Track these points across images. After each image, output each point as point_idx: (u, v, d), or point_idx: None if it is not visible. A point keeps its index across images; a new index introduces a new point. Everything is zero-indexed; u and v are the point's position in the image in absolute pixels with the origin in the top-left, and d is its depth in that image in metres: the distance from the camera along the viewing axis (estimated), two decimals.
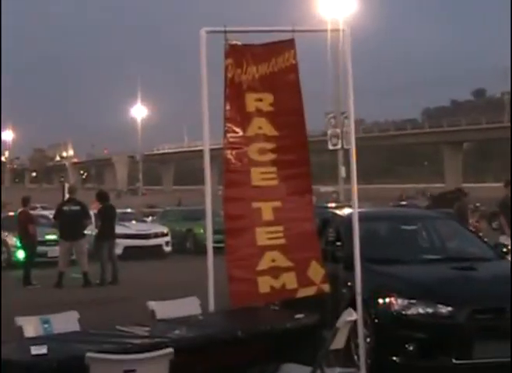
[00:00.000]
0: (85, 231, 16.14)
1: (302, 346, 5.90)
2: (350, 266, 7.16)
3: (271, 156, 7.03)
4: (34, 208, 31.69)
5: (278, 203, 7.03)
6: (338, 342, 5.56)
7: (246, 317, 6.46)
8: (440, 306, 6.93)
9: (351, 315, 5.76)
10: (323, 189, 50.47)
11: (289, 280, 6.92)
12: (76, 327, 5.81)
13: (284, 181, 7.06)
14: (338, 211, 9.66)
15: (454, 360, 6.83)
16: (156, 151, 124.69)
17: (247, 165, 6.95)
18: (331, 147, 30.59)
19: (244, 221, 6.93)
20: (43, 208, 33.24)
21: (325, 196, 37.46)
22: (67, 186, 20.99)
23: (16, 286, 14.98)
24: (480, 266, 7.94)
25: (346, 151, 7.38)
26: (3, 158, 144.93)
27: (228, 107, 6.88)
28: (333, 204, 14.50)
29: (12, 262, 18.78)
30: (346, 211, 9.02)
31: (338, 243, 8.54)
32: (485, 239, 9.60)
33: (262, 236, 6.91)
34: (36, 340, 5.11)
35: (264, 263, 6.85)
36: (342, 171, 32.60)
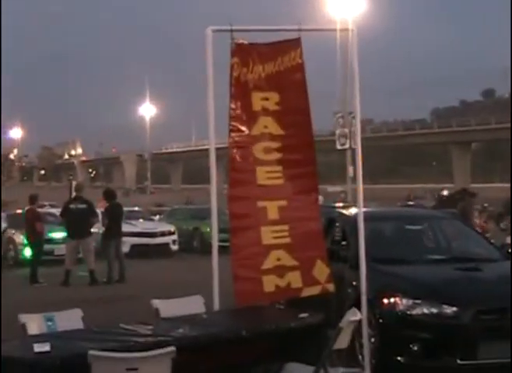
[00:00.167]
0: (92, 230, 16.15)
1: (306, 346, 5.89)
2: (355, 266, 7.15)
3: (276, 155, 7.02)
4: (42, 206, 31.84)
5: (283, 203, 7.02)
6: (342, 342, 5.56)
7: (250, 316, 6.45)
8: (444, 306, 6.91)
9: (355, 315, 5.74)
10: (330, 189, 50.46)
11: (294, 279, 6.92)
12: (80, 325, 5.82)
13: (290, 180, 7.05)
14: (343, 211, 9.65)
15: (458, 361, 6.82)
16: (164, 150, 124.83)
17: (253, 164, 6.94)
18: (339, 147, 30.64)
19: (249, 220, 6.93)
20: (52, 206, 33.34)
21: (333, 196, 37.42)
22: (74, 184, 20.97)
23: (23, 284, 15.01)
24: (485, 267, 7.92)
25: (354, 151, 7.40)
26: (12, 156, 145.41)
27: (233, 106, 6.87)
28: (340, 204, 14.50)
29: (19, 260, 18.82)
30: (352, 211, 9.01)
31: (344, 243, 8.53)
32: (492, 240, 9.57)
33: (268, 235, 6.90)
34: (40, 338, 5.10)
35: (269, 262, 6.84)
36: (350, 171, 32.59)
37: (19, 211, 20.61)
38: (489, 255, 8.50)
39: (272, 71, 6.98)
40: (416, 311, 6.98)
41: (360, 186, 7.36)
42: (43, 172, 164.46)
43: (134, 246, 21.15)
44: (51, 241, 18.23)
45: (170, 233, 23.05)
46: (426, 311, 6.95)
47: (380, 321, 7.16)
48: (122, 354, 4.60)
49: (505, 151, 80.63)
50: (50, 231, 18.36)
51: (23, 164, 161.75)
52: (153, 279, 15.49)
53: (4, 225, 20.44)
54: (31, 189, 53.32)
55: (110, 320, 7.85)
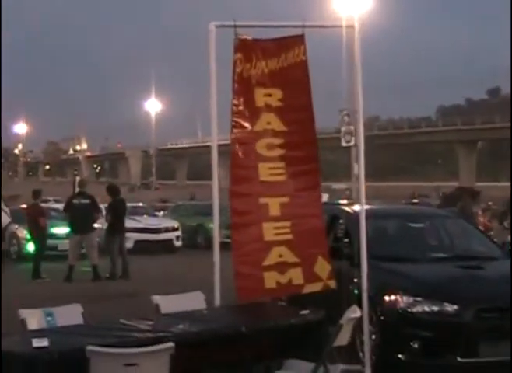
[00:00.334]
0: (96, 225, 16.16)
1: (307, 343, 5.87)
2: (357, 263, 7.14)
3: (279, 152, 7.00)
4: (46, 201, 31.91)
5: (285, 199, 7.01)
6: (342, 339, 5.54)
7: (250, 312, 6.45)
8: (445, 304, 6.90)
9: (355, 312, 5.73)
10: (335, 186, 50.39)
11: (296, 275, 6.90)
12: (80, 320, 5.81)
13: (292, 177, 7.03)
14: (346, 208, 9.63)
15: (459, 359, 6.81)
16: (169, 146, 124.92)
17: (255, 161, 6.93)
18: (344, 144, 30.50)
19: (251, 217, 6.91)
20: (56, 201, 33.39)
21: (338, 194, 37.40)
22: (77, 179, 20.99)
23: (26, 279, 15.03)
24: (487, 265, 7.91)
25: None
26: (16, 151, 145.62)
27: (236, 102, 6.86)
28: (345, 201, 14.47)
29: (22, 254, 18.86)
30: (354, 208, 8.98)
31: (346, 240, 8.51)
32: (494, 238, 9.54)
33: (269, 231, 6.89)
34: (39, 333, 5.10)
35: (271, 259, 6.83)
36: (355, 168, 32.51)
37: (24, 206, 20.64)
38: (491, 253, 8.49)
39: (276, 67, 6.96)
40: (417, 309, 6.97)
41: (362, 184, 7.35)
42: (48, 167, 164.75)
43: (137, 242, 21.16)
44: (55, 236, 18.24)
45: (174, 229, 23.07)
46: (426, 309, 6.94)
47: (381, 318, 7.16)
48: (120, 350, 4.59)
49: (509, 150, 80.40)
50: (54, 227, 18.38)
51: (28, 159, 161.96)
52: (156, 275, 15.50)
53: (7, 220, 20.48)
54: (36, 184, 53.45)
55: (111, 316, 7.83)
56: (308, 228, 7.05)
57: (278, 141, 6.98)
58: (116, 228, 15.95)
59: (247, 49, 6.86)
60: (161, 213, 29.88)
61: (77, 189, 17.18)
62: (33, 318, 5.62)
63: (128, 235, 17.67)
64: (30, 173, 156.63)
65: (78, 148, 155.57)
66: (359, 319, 6.23)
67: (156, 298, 6.39)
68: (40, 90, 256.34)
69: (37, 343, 4.77)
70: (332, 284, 7.04)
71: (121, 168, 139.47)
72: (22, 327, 5.53)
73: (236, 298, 6.67)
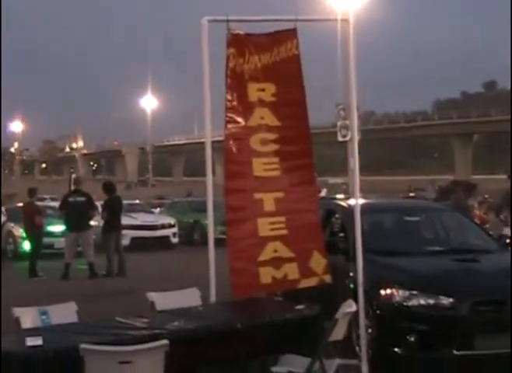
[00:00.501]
0: (92, 223, 16.13)
1: (302, 338, 5.87)
2: (353, 258, 7.13)
3: (273, 147, 6.98)
4: (43, 199, 31.84)
5: (280, 194, 6.99)
6: (338, 333, 5.54)
7: (246, 308, 6.43)
8: (441, 297, 6.89)
9: (350, 307, 5.73)
10: (331, 180, 50.40)
11: (291, 270, 6.89)
12: (74, 318, 5.80)
13: (286, 172, 7.01)
14: (341, 202, 9.61)
15: (455, 352, 6.80)
16: (166, 143, 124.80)
17: (249, 156, 6.90)
18: (340, 138, 30.45)
19: (246, 212, 6.89)
20: (52, 199, 33.33)
21: (335, 188, 37.41)
22: (73, 177, 20.97)
23: (22, 277, 15.00)
24: (483, 258, 7.90)
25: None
26: (13, 150, 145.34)
27: (230, 97, 6.83)
28: (341, 196, 14.45)
29: (18, 253, 18.82)
30: (350, 202, 8.97)
31: (342, 234, 8.50)
32: (491, 231, 9.53)
33: (264, 227, 6.87)
34: (33, 332, 5.08)
35: (266, 254, 6.82)
36: (351, 162, 32.50)
37: (20, 204, 20.60)
38: (487, 246, 8.48)
39: (268, 61, 6.93)
40: (413, 303, 6.96)
41: (357, 178, 7.34)
42: (44, 165, 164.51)
43: (134, 239, 21.15)
44: (51, 234, 18.21)
45: (171, 226, 23.05)
46: (422, 302, 6.93)
47: (377, 312, 7.15)
48: (114, 347, 4.57)
49: (506, 143, 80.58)
50: (50, 225, 18.35)
51: (24, 157, 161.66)
52: (153, 272, 15.47)
53: (3, 219, 20.46)
54: (32, 182, 53.30)
55: (108, 313, 7.81)
56: (303, 223, 7.03)
57: (272, 135, 6.96)
58: (112, 225, 15.92)
59: (239, 44, 6.83)
60: (157, 210, 29.84)
61: (73, 187, 17.11)
62: (28, 317, 5.61)
63: (124, 232, 17.64)
64: (26, 172, 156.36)
65: (74, 145, 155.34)
66: (355, 313, 6.23)
67: (152, 295, 6.38)
68: (36, 88, 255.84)
69: (31, 341, 4.76)
70: (328, 278, 7.03)
71: (118, 165, 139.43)
72: (16, 326, 5.51)
73: (231, 294, 6.65)
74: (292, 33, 6.96)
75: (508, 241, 9.08)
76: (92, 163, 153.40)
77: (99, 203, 17.36)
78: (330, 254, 7.18)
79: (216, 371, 5.61)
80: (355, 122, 7.72)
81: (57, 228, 18.20)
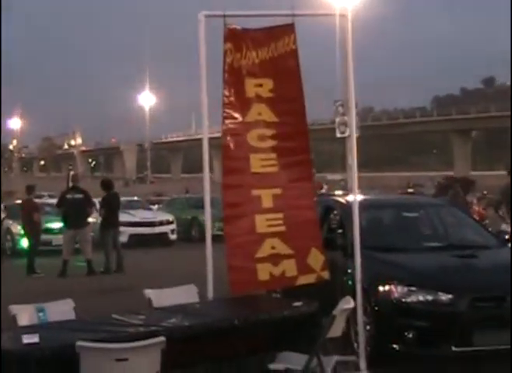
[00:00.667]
0: (90, 220, 16.11)
1: (300, 335, 5.84)
2: (351, 254, 7.10)
3: (271, 143, 6.94)
4: (41, 196, 31.83)
5: (278, 191, 6.96)
6: (336, 330, 5.51)
7: (243, 305, 6.41)
8: (440, 294, 6.86)
9: (348, 303, 5.69)
10: (330, 177, 50.40)
11: (289, 267, 6.86)
12: (72, 316, 5.76)
13: (284, 168, 6.98)
14: (339, 199, 9.59)
15: (453, 348, 6.76)
16: (164, 140, 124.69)
17: (247, 152, 6.87)
18: (339, 134, 30.45)
19: (243, 209, 6.86)
20: (50, 196, 33.31)
21: (334, 184, 37.43)
22: (71, 174, 20.95)
23: (20, 274, 14.96)
24: (482, 254, 7.87)
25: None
26: (11, 147, 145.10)
27: (227, 93, 6.79)
28: (340, 192, 14.46)
29: (16, 250, 18.80)
30: (348, 199, 8.94)
31: (340, 231, 8.47)
32: (489, 227, 9.50)
33: (262, 223, 6.84)
34: (30, 329, 5.05)
35: (263, 251, 6.79)
36: (350, 159, 32.49)
37: (18, 202, 20.59)
38: (486, 242, 8.44)
39: (266, 57, 6.90)
40: (411, 299, 6.92)
41: (355, 174, 7.32)
42: (43, 162, 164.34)
43: (132, 236, 21.16)
44: (49, 231, 18.20)
45: (169, 222, 23.05)
46: (421, 298, 6.90)
47: (376, 309, 7.12)
48: (110, 345, 4.53)
49: (505, 139, 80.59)
50: (48, 222, 18.32)
51: (23, 155, 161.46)
52: (151, 269, 15.45)
53: (3, 215, 20.46)
54: (31, 180, 53.25)
55: (105, 311, 7.77)
56: (301, 220, 7.00)
57: (269, 131, 6.93)
58: (110, 222, 15.89)
59: (236, 39, 6.79)
60: (156, 206, 29.83)
61: (70, 184, 17.07)
62: (24, 314, 5.58)
63: (122, 229, 17.64)
64: (25, 169, 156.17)
65: (72, 143, 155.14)
66: (354, 310, 6.20)
67: (149, 292, 6.34)
68: (34, 85, 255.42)
69: (28, 339, 4.72)
70: (326, 275, 7.00)
71: (116, 162, 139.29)
72: (13, 323, 5.48)
73: (229, 291, 6.62)
74: (289, 28, 6.92)
75: (507, 237, 9.02)
76: (90, 160, 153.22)
77: (97, 200, 17.34)
78: (328, 251, 7.15)
79: (214, 369, 5.58)
80: (353, 118, 7.72)
81: (56, 225, 18.18)
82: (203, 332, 5.39)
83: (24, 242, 17.23)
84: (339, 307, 5.56)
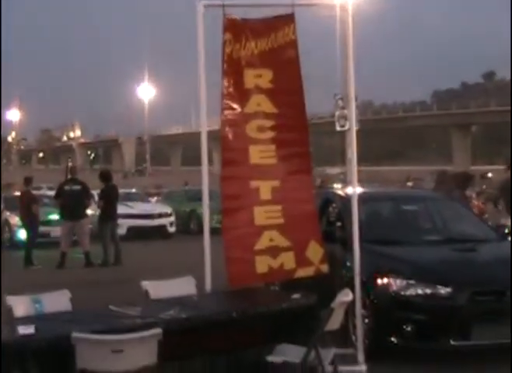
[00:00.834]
0: (89, 212, 16.05)
1: (298, 327, 5.81)
2: (350, 247, 7.06)
3: (270, 134, 6.89)
4: (39, 188, 31.79)
5: (277, 183, 6.91)
6: (334, 323, 5.46)
7: (241, 298, 6.36)
8: (439, 287, 6.82)
9: (347, 296, 5.65)
10: (329, 170, 50.34)
11: (288, 260, 6.83)
12: (68, 307, 5.72)
13: (283, 160, 6.93)
14: (339, 191, 9.54)
15: (452, 342, 6.73)
16: (163, 132, 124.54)
17: (245, 143, 6.82)
18: (338, 128, 30.41)
19: (242, 201, 6.82)
20: (49, 188, 33.26)
21: (334, 178, 37.40)
22: (69, 165, 20.95)
23: (18, 266, 14.91)
24: (481, 248, 7.83)
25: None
26: (10, 139, 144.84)
27: (226, 83, 6.74)
28: (339, 185, 14.43)
29: (14, 242, 18.75)
30: (347, 191, 8.89)
31: (339, 224, 8.43)
32: (489, 221, 9.45)
33: (260, 216, 6.80)
34: (26, 320, 5.01)
35: (262, 243, 6.75)
36: (349, 152, 32.43)
37: (17, 194, 20.54)
38: (485, 236, 8.39)
39: (265, 47, 6.84)
40: (410, 292, 6.88)
41: (355, 167, 7.28)
42: (41, 155, 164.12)
43: (131, 228, 21.13)
44: (47, 223, 18.14)
45: (168, 215, 23.01)
46: (420, 291, 6.86)
47: (374, 302, 7.08)
48: (106, 336, 4.50)
49: (505, 134, 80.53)
50: (46, 214, 18.27)
51: (22, 147, 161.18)
52: (150, 261, 15.39)
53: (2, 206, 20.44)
54: (30, 172, 53.15)
55: (102, 302, 7.74)
56: (300, 212, 6.96)
57: (268, 123, 6.87)
58: (108, 214, 15.83)
59: (236, 29, 6.74)
60: (154, 199, 29.78)
61: (69, 176, 17.01)
62: (20, 305, 5.53)
63: (121, 221, 17.59)
64: (24, 161, 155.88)
65: (72, 135, 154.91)
66: (352, 303, 6.16)
67: (146, 284, 6.30)
68: (32, 78, 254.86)
69: (23, 330, 4.69)
70: (324, 268, 6.97)
71: (115, 155, 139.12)
72: (8, 314, 5.44)
73: (227, 284, 6.58)
74: (289, 18, 6.87)
75: (507, 231, 8.98)
76: (89, 153, 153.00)
77: (95, 193, 17.26)
78: (327, 243, 7.11)
79: (211, 361, 5.55)
80: (353, 111, 7.66)
81: (54, 217, 18.12)
82: (200, 324, 5.36)
83: (22, 234, 17.18)
84: (338, 299, 5.52)
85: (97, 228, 16.24)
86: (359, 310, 6.77)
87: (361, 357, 6.74)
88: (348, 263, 7.36)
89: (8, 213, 19.70)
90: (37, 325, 4.77)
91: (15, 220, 18.60)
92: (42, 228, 16.92)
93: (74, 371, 4.46)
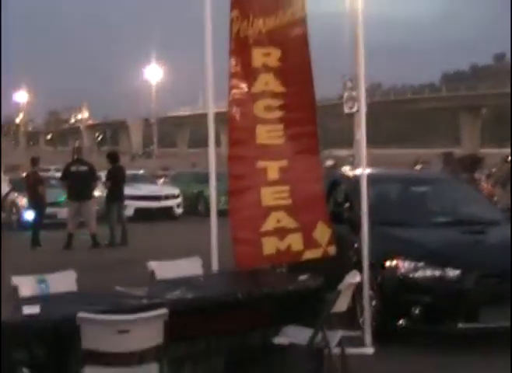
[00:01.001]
0: (96, 193, 16.00)
1: (305, 309, 5.76)
2: (358, 229, 6.99)
3: (278, 113, 6.82)
4: (47, 170, 31.79)
5: (284, 163, 6.85)
6: (341, 305, 5.42)
7: (247, 279, 6.32)
8: (447, 269, 6.75)
9: (354, 278, 5.60)
10: (337, 152, 50.17)
11: (295, 241, 6.78)
12: (74, 287, 5.69)
13: (291, 139, 6.86)
14: (347, 173, 9.46)
15: (459, 325, 6.68)
16: (170, 114, 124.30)
17: (253, 123, 6.74)
18: (347, 110, 30.25)
19: (249, 181, 6.75)
20: (57, 170, 33.24)
21: (343, 160, 37.26)
22: (75, 146, 20.93)
23: (24, 247, 14.92)
24: (490, 230, 7.75)
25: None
26: (17, 120, 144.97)
27: (233, 62, 6.65)
28: (348, 167, 14.34)
29: (21, 223, 18.77)
30: (355, 173, 8.81)
31: (347, 205, 8.36)
32: (497, 204, 9.37)
33: (268, 196, 6.73)
34: (31, 300, 4.98)
35: (269, 224, 6.69)
36: (358, 134, 32.30)
37: (24, 175, 20.52)
38: (494, 218, 8.30)
39: (273, 25, 6.74)
40: (418, 275, 6.82)
41: (364, 149, 7.21)
42: (49, 136, 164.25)
43: (138, 210, 21.10)
44: (54, 204, 18.12)
45: (175, 197, 22.96)
46: (428, 274, 6.79)
47: (382, 284, 7.02)
48: (112, 316, 4.46)
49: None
50: (54, 195, 18.24)
51: (29, 129, 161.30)
52: (156, 242, 15.39)
53: (6, 189, 20.41)
54: (37, 153, 53.25)
55: (109, 283, 7.71)
56: (307, 193, 6.90)
57: (276, 102, 6.80)
58: (115, 195, 15.78)
59: (243, 6, 6.64)
60: (161, 180, 29.73)
61: (75, 157, 16.94)
62: (26, 286, 5.49)
63: (128, 202, 17.56)
64: (31, 143, 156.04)
65: (79, 117, 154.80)
66: (360, 285, 6.11)
67: (152, 264, 6.25)
68: (40, 60, 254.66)
69: (28, 310, 4.66)
70: (332, 250, 6.92)
71: (123, 137, 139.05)
72: (14, 294, 5.41)
73: (235, 265, 6.52)
74: None
75: None
76: (97, 135, 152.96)
77: (102, 174, 17.21)
78: (334, 225, 7.05)
79: (217, 342, 5.51)
80: (362, 93, 7.56)
81: (61, 198, 18.08)
82: (206, 305, 5.31)
83: (29, 215, 17.17)
84: (345, 281, 5.47)
85: (104, 209, 16.21)
86: (366, 292, 6.72)
87: (368, 339, 6.70)
88: (355, 245, 7.30)
89: (15, 194, 19.69)
90: (42, 306, 4.74)
91: (23, 201, 18.58)
92: (49, 209, 16.88)
93: (79, 351, 4.43)
